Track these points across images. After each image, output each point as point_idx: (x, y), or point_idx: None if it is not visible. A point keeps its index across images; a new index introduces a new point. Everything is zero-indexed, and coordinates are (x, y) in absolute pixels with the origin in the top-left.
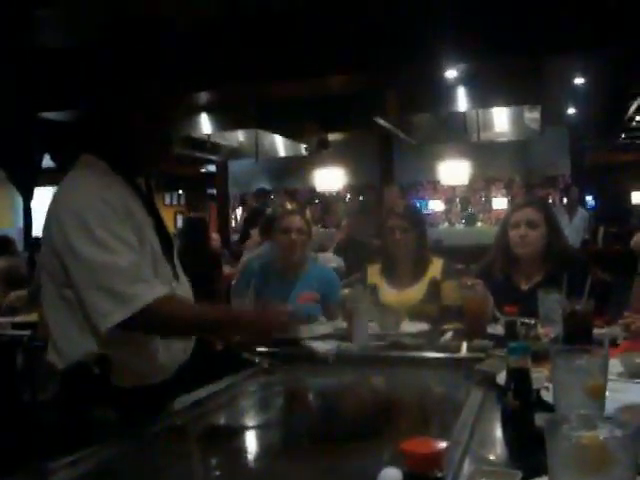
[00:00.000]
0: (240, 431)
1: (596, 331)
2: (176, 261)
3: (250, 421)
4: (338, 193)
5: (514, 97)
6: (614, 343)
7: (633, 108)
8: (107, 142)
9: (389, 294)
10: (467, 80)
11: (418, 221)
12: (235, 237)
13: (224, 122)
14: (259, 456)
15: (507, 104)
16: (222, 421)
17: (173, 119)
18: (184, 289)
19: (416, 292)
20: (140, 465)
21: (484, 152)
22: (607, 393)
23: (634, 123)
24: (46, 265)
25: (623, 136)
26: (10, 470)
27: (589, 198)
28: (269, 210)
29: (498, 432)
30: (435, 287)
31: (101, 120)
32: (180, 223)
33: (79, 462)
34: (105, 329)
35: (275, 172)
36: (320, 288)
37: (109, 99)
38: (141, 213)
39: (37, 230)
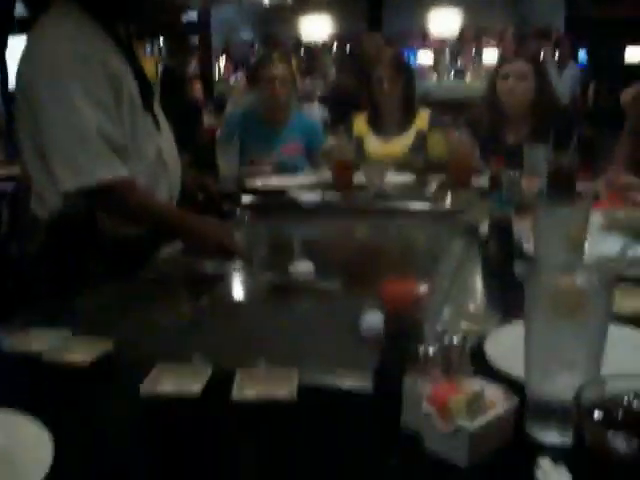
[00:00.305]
0: (225, 277)
1: (580, 185)
2: (157, 111)
3: (235, 268)
4: (324, 43)
5: None
6: (597, 197)
7: None
8: None
9: (375, 144)
10: None
11: (405, 70)
12: (219, 87)
13: None
14: (243, 302)
15: None
16: (206, 268)
17: None
18: (166, 139)
19: (402, 143)
20: (124, 309)
21: (476, 2)
22: (586, 244)
23: None
24: (20, 118)
25: None
26: (2, 314)
27: (581, 53)
28: (253, 59)
29: (478, 280)
30: (421, 138)
31: None
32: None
33: (64, 307)
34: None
35: (259, 21)
36: (304, 138)
37: None
38: (119, 63)
39: (13, 82)
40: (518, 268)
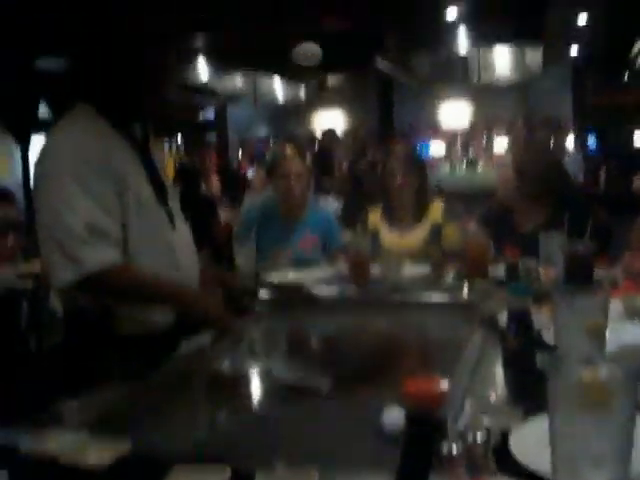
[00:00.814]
0: (243, 376)
1: (597, 273)
2: (173, 207)
3: (252, 365)
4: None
5: (515, 34)
6: (615, 284)
7: (638, 47)
8: (100, 88)
9: (390, 238)
10: (468, 18)
11: (418, 164)
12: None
13: (222, 65)
14: (262, 399)
15: (508, 41)
16: (224, 366)
17: (170, 62)
18: (182, 237)
19: (417, 235)
20: (144, 409)
21: (485, 93)
22: (607, 333)
23: (638, 62)
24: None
25: (626, 76)
26: (18, 415)
27: (591, 138)
28: (268, 155)
29: (499, 373)
30: (436, 230)
31: (95, 64)
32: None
33: (84, 405)
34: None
35: (274, 117)
36: (320, 232)
37: (103, 41)
38: (127, 163)
39: None
40: (540, 360)
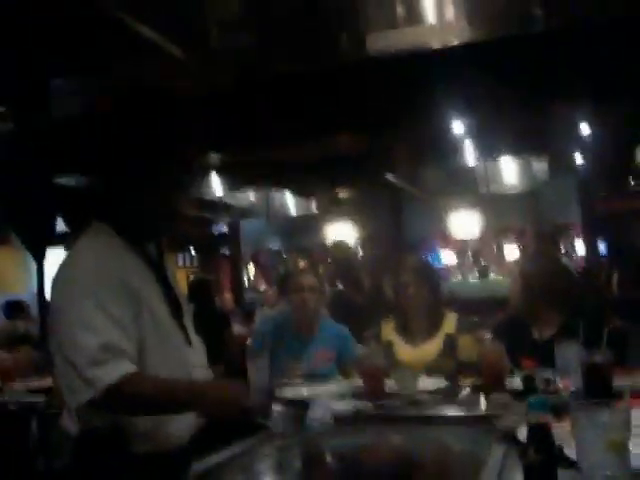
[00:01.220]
0: None
1: (616, 382)
2: (188, 325)
3: None
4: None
5: (521, 148)
6: (635, 393)
7: None
8: (116, 209)
9: (404, 350)
10: (474, 133)
11: (430, 275)
12: (248, 296)
13: (235, 182)
14: None
15: (514, 155)
16: None
17: (184, 186)
18: (197, 354)
19: (431, 348)
20: None
21: (494, 203)
22: (631, 446)
23: None
24: (50, 332)
25: (633, 183)
26: None
27: (601, 245)
28: (282, 269)
29: None
30: (450, 342)
31: (111, 187)
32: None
33: None
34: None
35: (287, 231)
36: (335, 346)
37: (120, 166)
38: (143, 281)
39: None
40: (562, 477)
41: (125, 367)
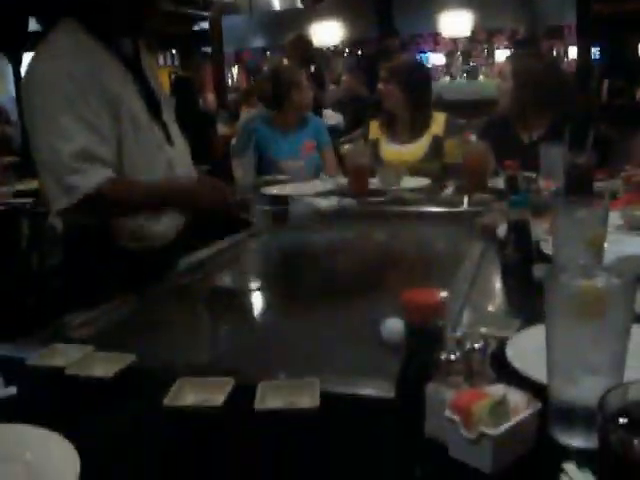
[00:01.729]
0: (243, 289)
1: (597, 184)
2: (169, 123)
3: (252, 279)
4: (336, 48)
5: None
6: (614, 196)
7: None
8: (89, 2)
9: (390, 150)
10: None
11: (411, 75)
12: (232, 96)
13: None
14: (262, 312)
15: None
16: (224, 280)
17: None
18: (179, 151)
19: (417, 148)
20: (144, 323)
21: (486, 1)
22: (606, 244)
23: None
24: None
25: None
26: (23, 332)
27: (595, 49)
28: (266, 67)
29: (498, 283)
30: (437, 144)
31: None
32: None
33: (87, 320)
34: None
35: (270, 28)
36: (313, 134)
37: None
38: (118, 80)
39: None
40: (537, 271)
41: (102, 174)
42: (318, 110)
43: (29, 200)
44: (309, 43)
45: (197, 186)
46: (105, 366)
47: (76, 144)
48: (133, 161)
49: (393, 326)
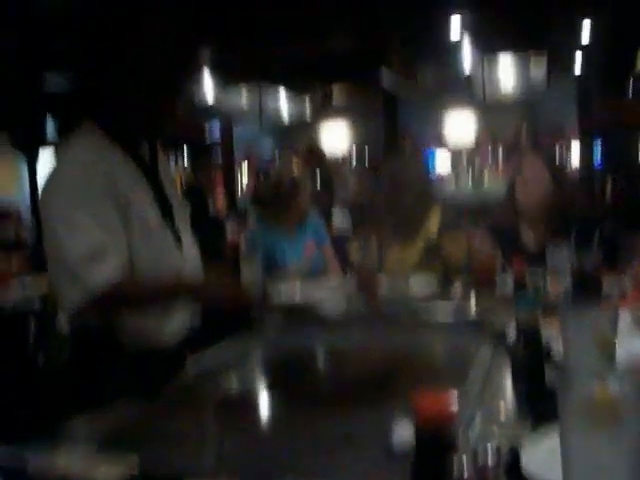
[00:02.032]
0: (250, 391)
1: (605, 284)
2: (181, 228)
3: (260, 380)
4: (344, 151)
5: (519, 43)
6: (623, 295)
7: None
8: (104, 106)
9: (393, 252)
10: (470, 31)
11: (417, 177)
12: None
13: (226, 81)
14: (267, 416)
15: (512, 51)
16: (232, 381)
17: (172, 82)
18: (189, 256)
19: (416, 247)
20: (152, 424)
21: (490, 107)
22: (617, 345)
23: None
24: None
25: (631, 87)
26: (27, 432)
27: (597, 149)
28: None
29: (508, 386)
30: (434, 242)
31: (98, 79)
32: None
33: (92, 422)
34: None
35: (280, 133)
36: (313, 233)
37: (106, 56)
38: (133, 183)
39: None
40: (549, 375)
41: (113, 272)
42: (328, 211)
43: (37, 300)
44: (321, 149)
45: (206, 281)
46: (108, 470)
47: (89, 242)
48: (142, 264)
49: (403, 432)
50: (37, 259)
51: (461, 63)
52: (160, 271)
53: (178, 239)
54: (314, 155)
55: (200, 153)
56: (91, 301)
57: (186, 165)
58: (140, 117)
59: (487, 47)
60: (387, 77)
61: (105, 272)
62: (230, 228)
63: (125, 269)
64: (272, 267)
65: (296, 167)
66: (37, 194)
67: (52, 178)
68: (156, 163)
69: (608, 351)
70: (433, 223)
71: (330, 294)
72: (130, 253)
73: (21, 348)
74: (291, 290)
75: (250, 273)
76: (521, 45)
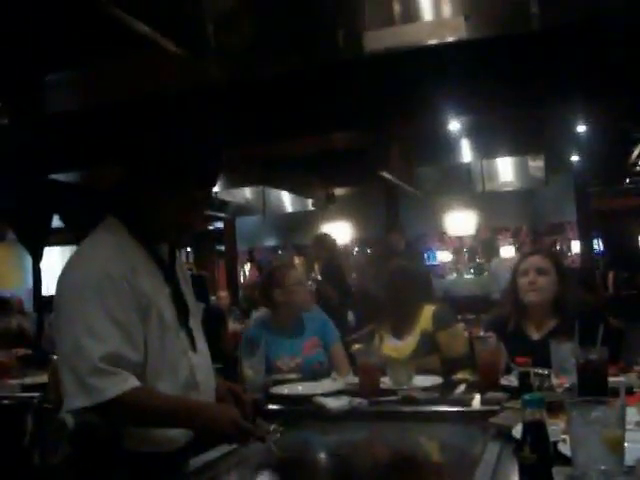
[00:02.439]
0: None
1: (611, 380)
2: (195, 329)
3: None
4: (346, 247)
5: (517, 147)
6: (630, 391)
7: (636, 153)
8: (131, 208)
9: (391, 345)
10: (470, 131)
11: (406, 276)
12: (243, 293)
13: (231, 180)
14: None
15: (510, 154)
16: None
17: (201, 202)
18: (202, 358)
19: (410, 343)
20: None
21: (490, 202)
22: (626, 443)
23: (637, 168)
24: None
25: (627, 181)
26: None
27: (597, 243)
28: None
29: None
30: (427, 338)
31: (129, 186)
32: None
33: None
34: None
35: (283, 227)
36: (318, 331)
37: (139, 170)
38: (153, 283)
39: (46, 290)
40: (557, 475)
41: (128, 381)
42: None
43: (36, 394)
44: (333, 242)
45: (214, 411)
46: None
47: (107, 347)
48: (156, 364)
49: None
50: (39, 353)
51: (460, 161)
52: (174, 371)
53: (192, 340)
54: (328, 244)
55: (204, 245)
56: (97, 407)
57: (189, 258)
58: (162, 226)
59: (485, 149)
60: (388, 176)
61: (118, 386)
62: (230, 318)
63: (138, 370)
64: (270, 365)
65: (298, 260)
66: (40, 289)
67: (71, 274)
68: (174, 261)
69: (616, 448)
70: (426, 319)
71: (334, 390)
72: (146, 352)
73: (16, 443)
74: (292, 387)
75: (251, 370)
76: (519, 147)
